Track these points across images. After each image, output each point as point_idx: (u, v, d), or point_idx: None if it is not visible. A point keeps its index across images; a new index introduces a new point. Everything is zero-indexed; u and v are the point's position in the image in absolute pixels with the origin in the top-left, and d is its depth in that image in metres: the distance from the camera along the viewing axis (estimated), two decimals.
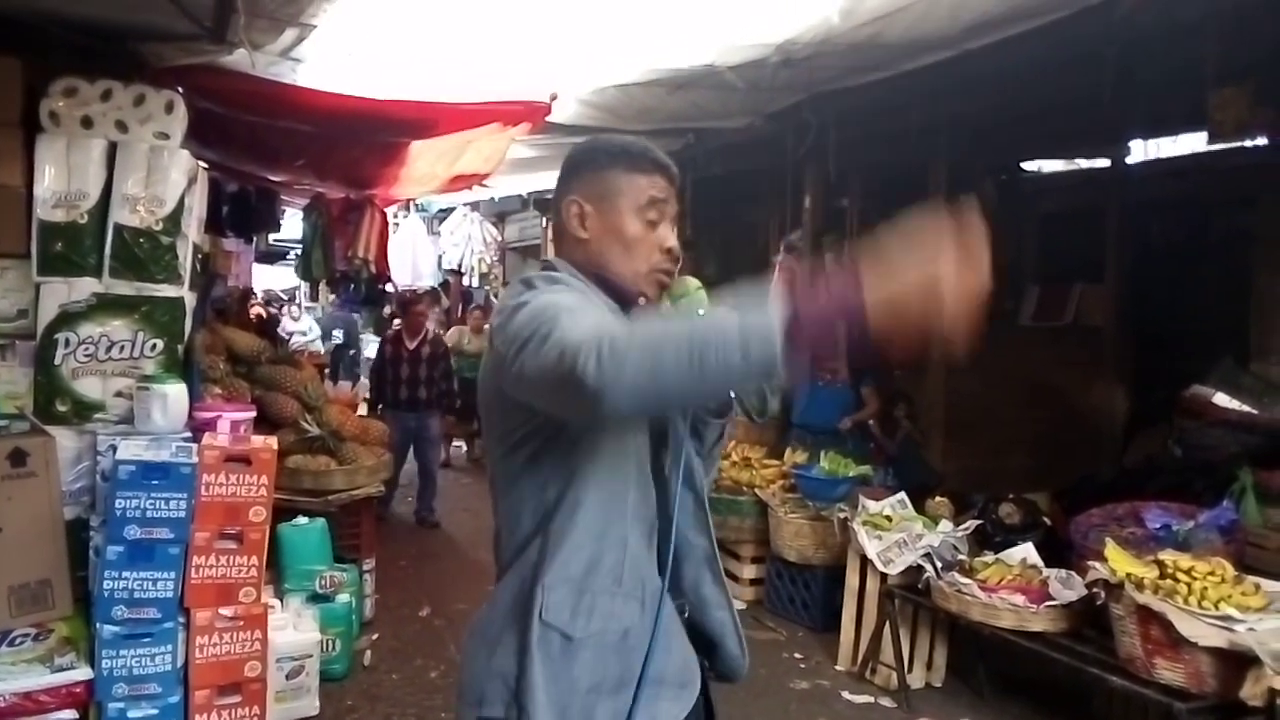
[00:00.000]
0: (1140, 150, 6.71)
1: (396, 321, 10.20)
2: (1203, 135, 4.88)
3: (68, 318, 3.20)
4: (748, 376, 1.27)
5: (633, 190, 1.62)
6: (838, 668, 4.67)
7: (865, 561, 4.50)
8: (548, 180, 9.12)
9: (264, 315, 10.63)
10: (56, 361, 3.20)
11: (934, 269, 1.16)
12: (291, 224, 9.59)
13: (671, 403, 1.47)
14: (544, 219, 12.24)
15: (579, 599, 1.51)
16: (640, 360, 1.21)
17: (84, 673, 2.95)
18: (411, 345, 7.45)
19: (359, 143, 5.49)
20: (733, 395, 1.64)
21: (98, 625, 2.97)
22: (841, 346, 1.24)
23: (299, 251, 8.59)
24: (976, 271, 1.17)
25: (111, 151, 3.27)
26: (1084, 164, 7.30)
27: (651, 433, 1.62)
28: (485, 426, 1.64)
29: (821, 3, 3.50)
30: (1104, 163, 6.90)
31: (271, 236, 10.47)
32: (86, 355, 3.22)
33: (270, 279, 16.03)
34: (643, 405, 1.32)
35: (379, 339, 9.08)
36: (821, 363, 5.69)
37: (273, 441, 3.38)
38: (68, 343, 3.20)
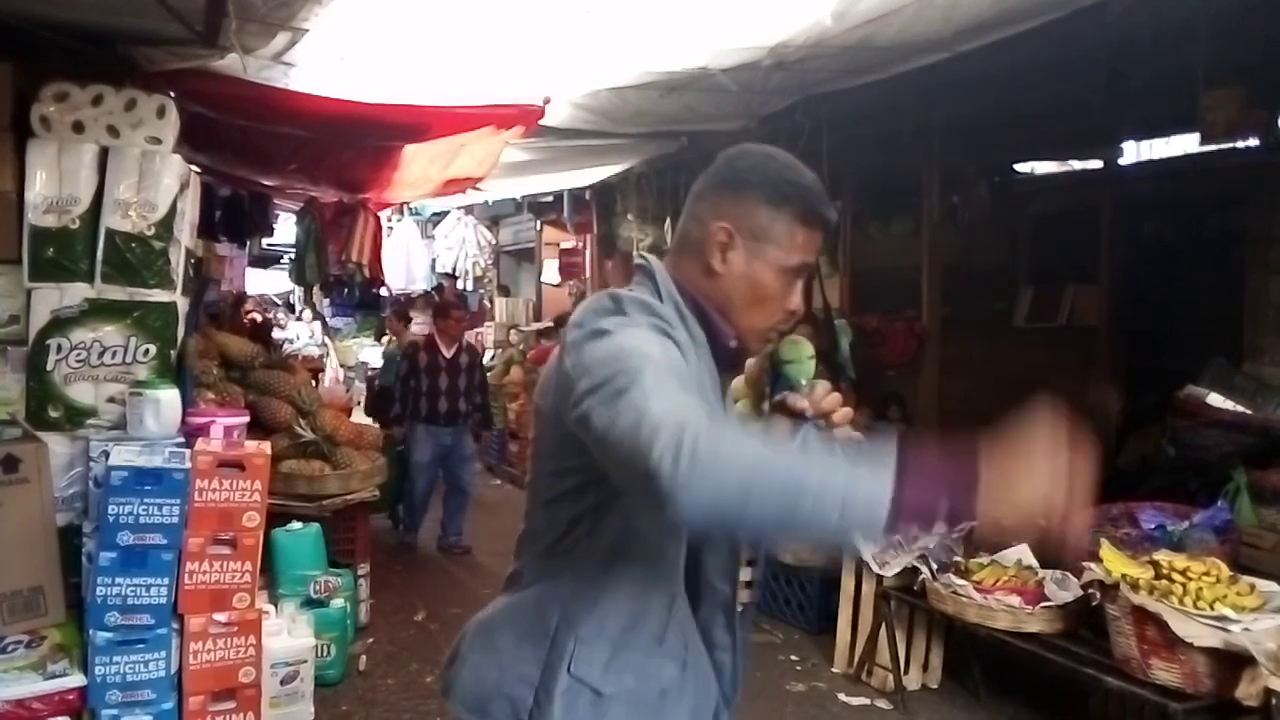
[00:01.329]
0: (1133, 151, 6.73)
1: (416, 326, 10.04)
2: (1194, 136, 4.90)
3: (60, 323, 3.19)
4: (835, 535, 1.19)
5: (791, 243, 1.47)
6: (834, 670, 4.67)
7: (860, 563, 4.50)
8: (542, 184, 9.16)
9: (257, 320, 10.60)
10: (49, 367, 3.19)
11: (1048, 492, 1.13)
12: (285, 228, 9.58)
13: (742, 530, 1.39)
14: (538, 222, 12.25)
15: (614, 654, 1.46)
16: (725, 479, 1.11)
17: (77, 680, 2.94)
18: (449, 353, 6.87)
19: (352, 146, 5.49)
20: None
21: (91, 632, 2.95)
22: (940, 525, 1.17)
23: (292, 256, 8.57)
24: (1082, 487, 1.16)
25: (103, 156, 3.26)
26: (1077, 165, 7.31)
27: None
28: (537, 434, 1.55)
29: (814, 5, 3.50)
30: (1096, 164, 6.91)
31: (265, 241, 10.46)
32: (79, 361, 3.21)
33: (263, 283, 15.99)
34: (709, 523, 1.24)
35: (398, 346, 8.51)
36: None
37: (266, 446, 3.37)
38: (60, 348, 3.19)
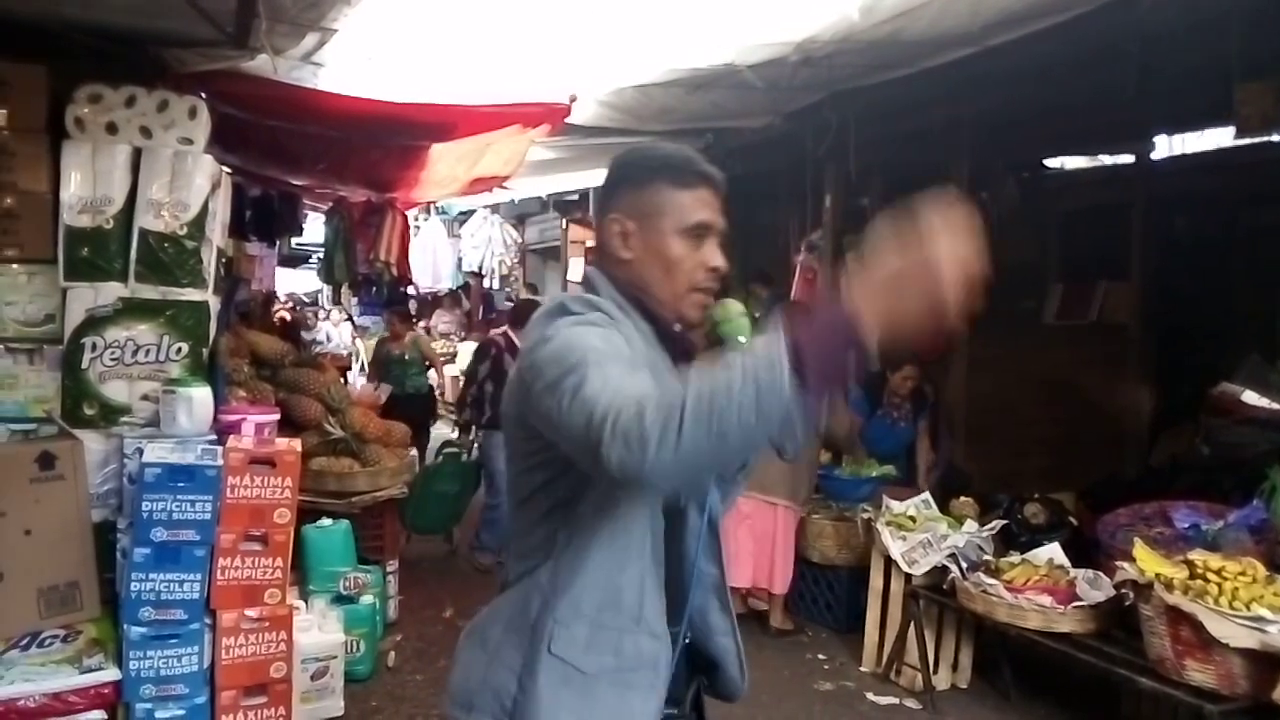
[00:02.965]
0: (1165, 146, 6.65)
1: (443, 325, 9.74)
2: (1228, 130, 4.83)
3: (94, 322, 3.23)
4: (769, 430, 1.24)
5: (676, 208, 1.57)
6: (862, 669, 4.65)
7: (889, 562, 4.47)
8: (567, 182, 9.16)
9: (286, 319, 10.68)
10: (83, 365, 3.23)
11: (918, 252, 1.15)
12: (314, 228, 9.66)
13: (701, 474, 1.48)
14: (563, 220, 12.27)
15: (593, 633, 1.51)
16: (662, 440, 1.19)
17: (112, 674, 2.97)
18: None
19: (379, 146, 5.52)
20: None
21: (125, 627, 2.99)
22: (854, 368, 1.21)
23: (321, 255, 8.65)
24: (964, 245, 1.16)
25: (136, 157, 3.29)
26: (1108, 160, 7.24)
27: None
28: (505, 438, 1.62)
29: (841, 1, 3.48)
30: (1128, 159, 6.83)
31: (294, 240, 10.56)
32: (113, 359, 3.25)
33: (293, 282, 16.13)
34: (671, 483, 1.35)
35: (398, 347, 8.13)
36: (895, 401, 5.61)
37: (296, 444, 3.40)
38: (94, 347, 3.23)
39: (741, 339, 1.58)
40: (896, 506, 4.69)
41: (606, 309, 1.51)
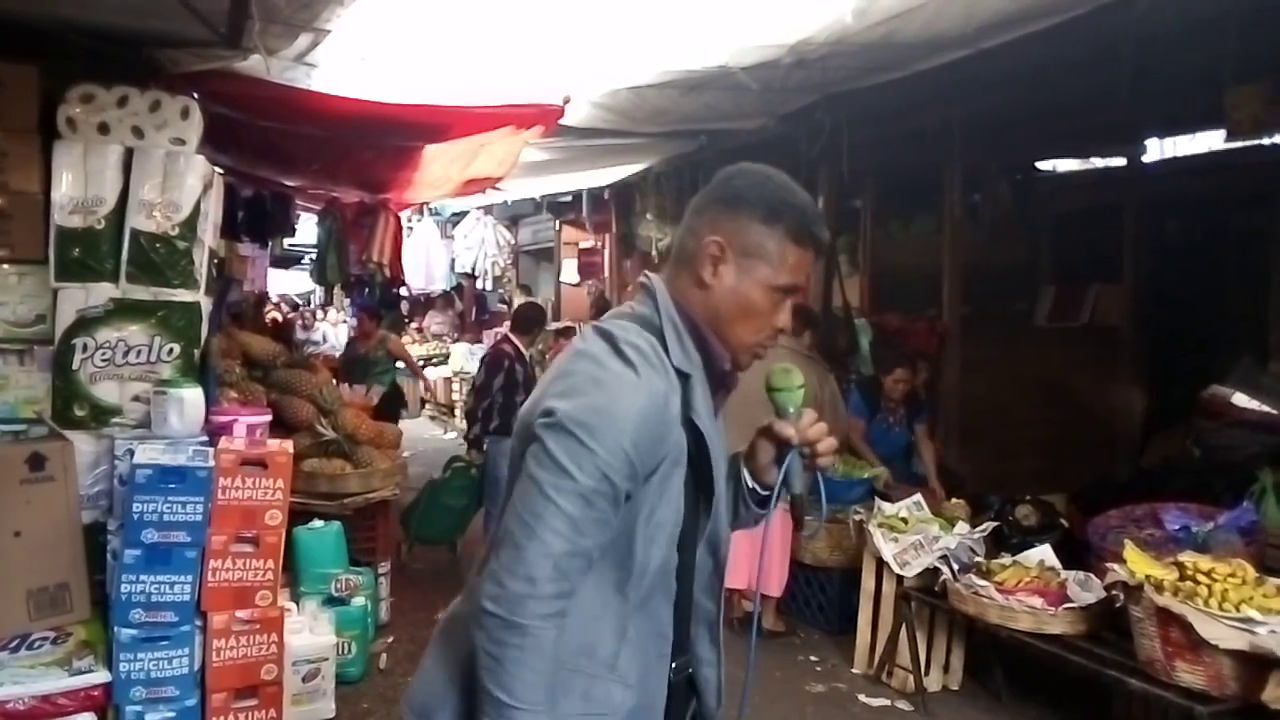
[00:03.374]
0: (1157, 149, 6.68)
1: (436, 326, 9.58)
2: (1220, 133, 4.85)
3: (85, 323, 3.22)
4: None
5: (782, 262, 1.51)
6: (854, 670, 4.65)
7: (881, 564, 4.48)
8: (561, 183, 9.17)
9: (279, 320, 10.66)
10: (74, 366, 3.22)
11: None
12: (306, 228, 9.64)
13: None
14: (556, 222, 12.27)
15: (565, 677, 1.47)
16: (499, 657, 1.39)
17: (102, 676, 2.96)
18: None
19: (373, 147, 5.51)
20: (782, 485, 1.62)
21: (115, 629, 2.98)
22: None
23: (314, 256, 8.62)
24: None
25: (128, 157, 3.29)
26: (1100, 163, 7.26)
27: (688, 506, 1.54)
28: (512, 445, 1.58)
29: (835, 3, 3.49)
30: (1120, 161, 6.86)
31: (286, 241, 10.52)
32: (104, 360, 3.24)
33: (285, 283, 16.10)
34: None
35: (365, 348, 8.16)
36: (891, 404, 5.66)
37: (288, 445, 3.39)
38: (85, 348, 3.22)
39: (791, 410, 1.60)
40: (888, 508, 4.69)
41: (644, 349, 1.46)
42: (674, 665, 1.60)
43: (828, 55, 4.12)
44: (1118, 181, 6.79)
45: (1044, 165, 7.46)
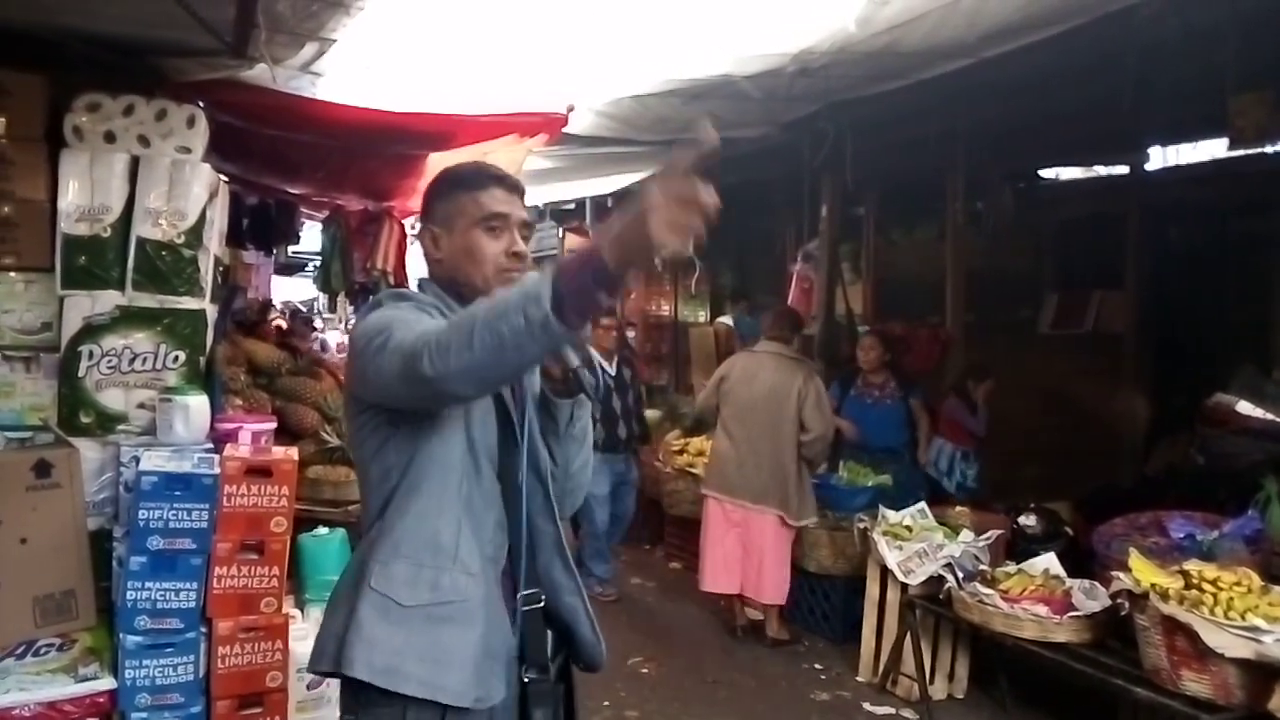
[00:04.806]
0: (1160, 156, 6.69)
1: None
2: (1223, 141, 4.86)
3: (91, 330, 3.23)
4: (536, 337, 1.43)
5: (471, 208, 1.83)
6: (858, 679, 4.65)
7: (885, 572, 4.47)
8: (564, 191, 9.18)
9: (283, 327, 10.68)
10: (80, 374, 3.22)
11: (643, 206, 1.35)
12: (310, 236, 9.65)
13: (495, 375, 1.60)
14: (560, 230, 12.29)
15: (414, 572, 1.71)
16: (459, 347, 1.46)
17: (107, 683, 2.95)
18: (614, 370, 6.09)
19: (377, 155, 5.53)
20: (573, 372, 1.76)
21: (121, 635, 2.97)
22: (605, 299, 1.43)
23: (318, 263, 8.63)
24: (680, 196, 1.35)
25: (134, 166, 3.29)
26: (1103, 170, 7.28)
27: (499, 426, 1.79)
28: (345, 420, 1.94)
29: (838, 12, 3.50)
30: (1123, 169, 6.87)
31: (291, 248, 10.54)
32: (110, 367, 3.24)
33: (289, 291, 16.12)
34: (476, 383, 1.56)
35: None
36: (868, 376, 5.65)
37: (293, 452, 3.39)
38: (91, 355, 3.22)
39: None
40: (893, 516, 4.70)
41: (415, 298, 1.81)
42: (524, 594, 1.79)
43: (831, 64, 4.14)
44: (1121, 189, 6.80)
45: (1047, 173, 7.47)
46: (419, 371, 1.49)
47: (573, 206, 10.76)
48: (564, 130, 5.06)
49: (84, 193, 3.23)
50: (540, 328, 1.40)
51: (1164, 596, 3.18)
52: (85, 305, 3.23)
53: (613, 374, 6.05)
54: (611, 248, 1.39)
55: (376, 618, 1.69)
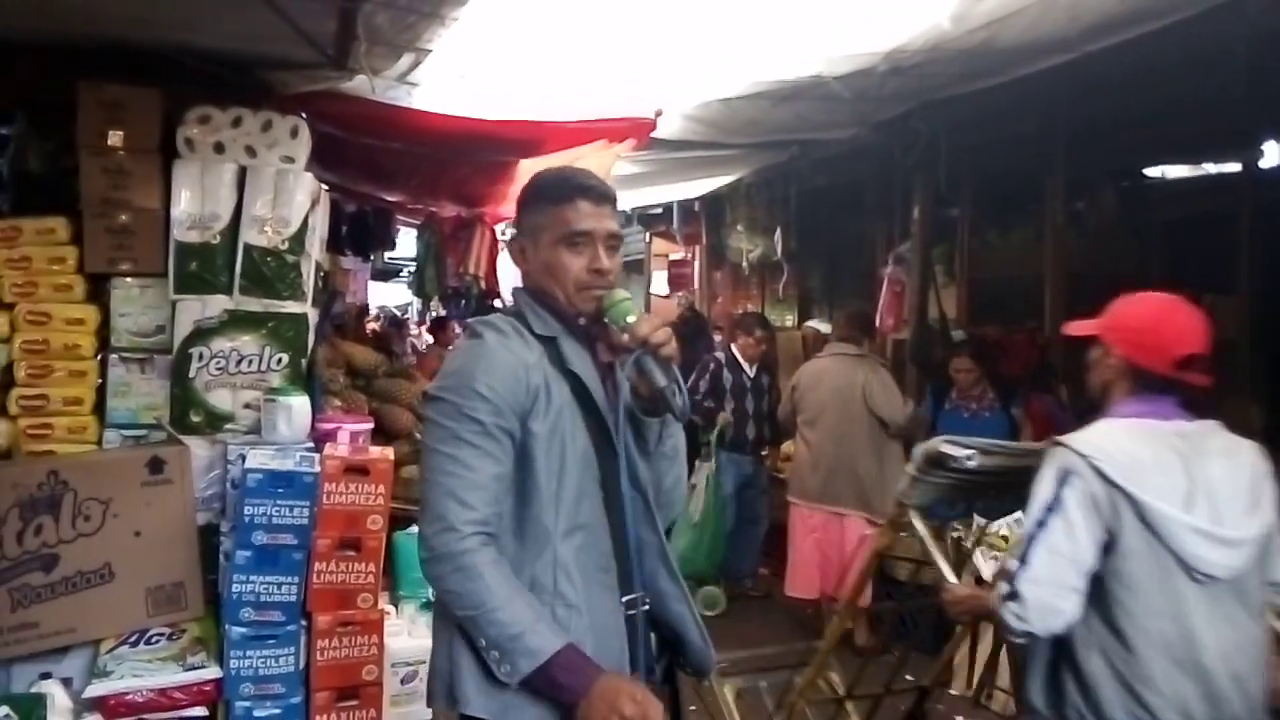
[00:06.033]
0: (1275, 153, 6.36)
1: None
2: None
3: (201, 333, 3.37)
4: (496, 660, 1.68)
5: (554, 223, 1.84)
6: (951, 691, 4.53)
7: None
8: (651, 196, 9.20)
9: (379, 330, 10.95)
10: (191, 375, 3.36)
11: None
12: (405, 242, 9.87)
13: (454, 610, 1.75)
14: (647, 234, 12.32)
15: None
16: (454, 591, 1.69)
17: (214, 672, 3.07)
18: (753, 373, 6.43)
19: (469, 162, 5.63)
20: (669, 402, 1.81)
21: (226, 626, 3.09)
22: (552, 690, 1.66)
23: (413, 269, 8.83)
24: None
25: (241, 175, 3.43)
26: (1212, 168, 6.95)
27: (595, 445, 1.82)
28: None
29: (932, 9, 3.43)
30: (1235, 166, 6.55)
31: (387, 254, 10.80)
32: (218, 369, 3.38)
33: (385, 296, 16.52)
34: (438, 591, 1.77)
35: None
36: (964, 391, 5.57)
37: (389, 452, 3.47)
38: (201, 357, 3.36)
39: (629, 320, 1.81)
40: (989, 526, 4.56)
41: (500, 326, 1.83)
42: (629, 598, 1.81)
43: (924, 62, 4.05)
44: (1232, 187, 6.48)
45: (1152, 171, 7.18)
46: (421, 546, 1.72)
47: (660, 211, 10.78)
48: (652, 135, 5.08)
49: (195, 201, 3.37)
50: (503, 670, 1.65)
51: None
52: (196, 309, 3.37)
53: (750, 375, 6.39)
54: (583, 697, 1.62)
55: (479, 669, 1.74)
